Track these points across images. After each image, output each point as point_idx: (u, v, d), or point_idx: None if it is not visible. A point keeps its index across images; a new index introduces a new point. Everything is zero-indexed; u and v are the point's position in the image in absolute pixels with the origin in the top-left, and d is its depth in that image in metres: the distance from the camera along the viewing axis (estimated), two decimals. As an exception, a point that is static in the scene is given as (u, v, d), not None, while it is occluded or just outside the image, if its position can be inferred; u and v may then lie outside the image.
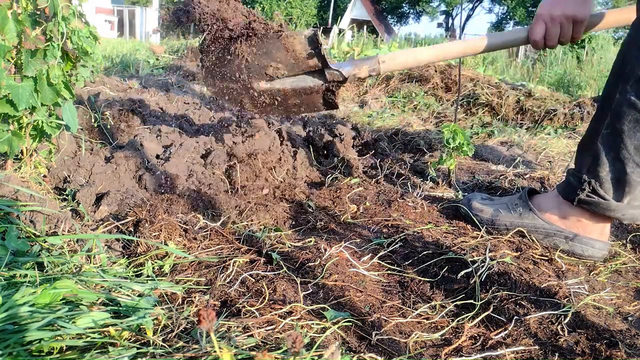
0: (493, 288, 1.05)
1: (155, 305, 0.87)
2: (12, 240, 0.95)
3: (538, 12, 1.40)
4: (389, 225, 1.41)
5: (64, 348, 0.70)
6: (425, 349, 0.87)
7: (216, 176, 1.63)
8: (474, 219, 1.42)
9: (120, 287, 0.92)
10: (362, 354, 0.82)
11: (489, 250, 1.22)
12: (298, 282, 1.03)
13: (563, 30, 1.37)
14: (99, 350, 0.71)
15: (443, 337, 0.91)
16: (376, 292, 1.06)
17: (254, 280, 1.03)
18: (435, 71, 3.90)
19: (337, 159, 1.99)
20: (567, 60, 6.37)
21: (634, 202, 1.22)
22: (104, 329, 0.75)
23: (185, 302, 0.94)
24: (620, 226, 1.53)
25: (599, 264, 1.28)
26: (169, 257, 1.10)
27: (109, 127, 1.96)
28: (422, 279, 1.12)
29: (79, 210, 1.26)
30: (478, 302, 1.00)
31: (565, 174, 1.98)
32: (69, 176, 1.42)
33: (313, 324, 0.89)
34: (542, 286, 1.07)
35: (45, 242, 1.03)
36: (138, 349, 0.73)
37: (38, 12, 1.16)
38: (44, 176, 1.38)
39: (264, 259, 1.14)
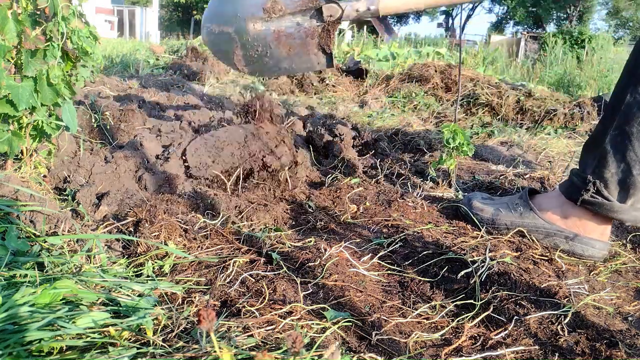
0: (493, 288, 1.05)
1: (155, 305, 0.87)
2: (12, 240, 0.95)
3: None
4: (389, 225, 1.41)
5: (64, 348, 0.70)
6: (425, 349, 0.87)
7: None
8: (474, 218, 1.42)
9: (120, 287, 0.92)
10: (362, 354, 0.82)
11: (489, 250, 1.22)
12: (298, 282, 1.03)
13: None
14: (99, 350, 0.71)
15: (443, 337, 0.91)
16: (376, 292, 1.06)
17: (254, 280, 1.03)
18: (435, 71, 3.91)
19: (337, 159, 1.99)
20: (567, 60, 6.37)
21: (638, 204, 1.22)
22: (104, 329, 0.75)
23: (185, 302, 0.94)
24: (620, 226, 1.53)
25: (599, 264, 1.28)
26: (169, 257, 1.10)
27: (109, 127, 1.96)
28: (422, 279, 1.12)
29: (79, 210, 1.26)
30: (478, 302, 1.00)
31: (565, 173, 1.98)
32: (69, 176, 1.42)
33: (313, 324, 0.89)
34: (542, 286, 1.07)
35: (45, 242, 1.03)
36: (138, 349, 0.73)
37: (38, 12, 1.16)
38: (44, 176, 1.38)
39: (264, 259, 1.14)
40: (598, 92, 4.62)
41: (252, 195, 1.55)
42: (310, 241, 1.24)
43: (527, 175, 1.92)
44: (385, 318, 0.95)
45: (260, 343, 0.80)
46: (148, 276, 1.04)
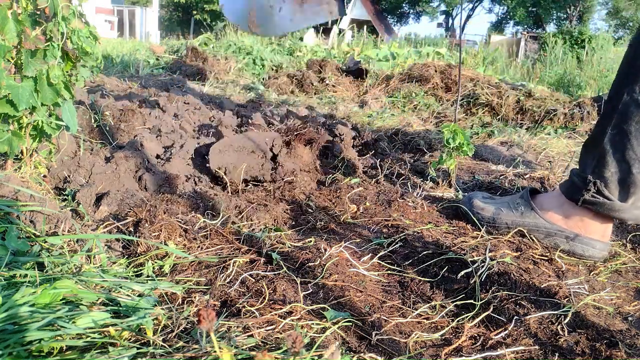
0: (493, 288, 1.05)
1: (155, 305, 0.87)
2: (12, 240, 0.95)
3: None
4: (389, 225, 1.41)
5: (64, 348, 0.70)
6: (425, 349, 0.87)
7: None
8: (475, 217, 1.42)
9: (120, 287, 0.92)
10: (362, 354, 0.82)
11: (489, 250, 1.22)
12: (298, 282, 1.03)
13: None
14: (99, 350, 0.71)
15: (443, 337, 0.91)
16: (376, 292, 1.06)
17: (254, 280, 1.03)
18: (435, 71, 3.91)
19: (337, 159, 1.99)
20: (567, 60, 6.37)
21: (639, 202, 1.22)
22: (104, 329, 0.75)
23: (185, 302, 0.94)
24: (620, 226, 1.53)
25: (599, 264, 1.28)
26: (169, 257, 1.10)
27: (109, 127, 1.96)
28: (422, 279, 1.12)
29: (79, 210, 1.26)
30: (478, 302, 1.00)
31: (565, 173, 1.98)
32: (69, 176, 1.41)
33: (313, 324, 0.89)
34: (542, 286, 1.07)
35: (45, 242, 1.03)
36: (138, 349, 0.73)
37: (38, 12, 1.16)
38: (44, 176, 1.38)
39: (264, 259, 1.14)
40: (598, 92, 4.62)
41: (252, 195, 1.55)
42: (310, 241, 1.24)
43: (527, 175, 1.92)
44: (385, 318, 0.95)
45: (260, 343, 0.80)
46: (148, 276, 1.03)
